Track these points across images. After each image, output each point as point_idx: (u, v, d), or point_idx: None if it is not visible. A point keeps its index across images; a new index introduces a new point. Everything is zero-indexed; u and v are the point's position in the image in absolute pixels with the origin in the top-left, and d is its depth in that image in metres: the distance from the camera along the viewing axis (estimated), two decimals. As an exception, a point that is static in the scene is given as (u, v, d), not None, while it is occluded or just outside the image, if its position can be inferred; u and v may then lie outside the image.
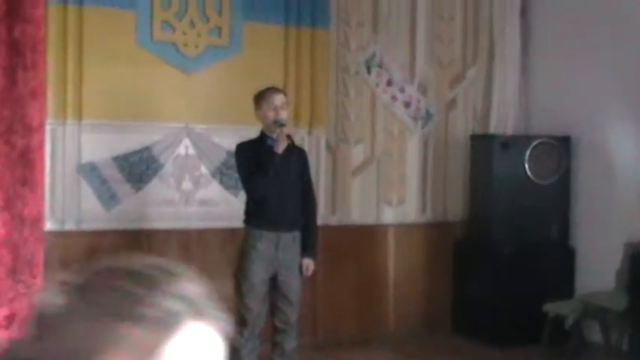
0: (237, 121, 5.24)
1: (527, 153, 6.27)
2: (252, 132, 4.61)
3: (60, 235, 5.24)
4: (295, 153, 4.54)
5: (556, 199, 6.40)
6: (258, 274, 4.41)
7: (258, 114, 4.54)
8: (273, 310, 4.51)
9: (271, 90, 4.55)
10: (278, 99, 4.50)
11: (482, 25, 6.86)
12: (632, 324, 4.94)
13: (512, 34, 6.80)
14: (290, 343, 4.52)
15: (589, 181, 6.34)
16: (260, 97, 4.54)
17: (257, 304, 4.42)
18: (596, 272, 6.07)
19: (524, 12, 6.83)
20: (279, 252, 4.44)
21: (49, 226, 5.20)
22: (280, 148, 4.34)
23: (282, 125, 4.39)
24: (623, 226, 5.87)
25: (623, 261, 5.65)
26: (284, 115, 4.47)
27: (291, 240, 4.48)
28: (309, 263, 4.57)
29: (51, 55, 5.07)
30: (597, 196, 6.25)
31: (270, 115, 4.46)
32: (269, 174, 4.30)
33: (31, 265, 2.80)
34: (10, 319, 2.73)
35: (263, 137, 4.51)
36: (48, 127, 4.98)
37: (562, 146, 6.38)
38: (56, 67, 5.19)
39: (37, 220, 2.83)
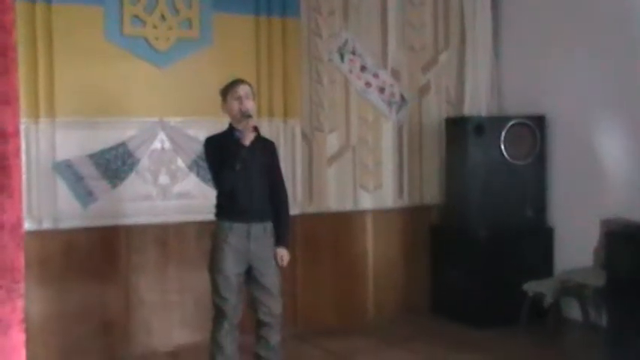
0: (212, 113, 5.23)
1: (503, 134, 6.29)
2: (226, 124, 4.60)
3: (37, 234, 5.22)
4: (263, 144, 4.54)
5: (532, 179, 6.44)
6: (232, 267, 4.41)
7: (225, 107, 4.54)
8: (256, 303, 4.50)
9: (235, 82, 4.55)
10: (242, 89, 4.49)
11: (453, 10, 6.89)
12: (610, 300, 4.99)
13: (483, 18, 6.83)
14: (274, 337, 4.52)
15: (564, 160, 6.39)
16: (225, 91, 4.54)
17: (233, 296, 4.42)
18: (574, 250, 6.13)
19: (495, -5, 6.88)
20: (250, 243, 4.43)
21: (26, 225, 5.17)
22: (247, 140, 4.34)
23: (248, 117, 4.39)
24: (600, 203, 5.92)
25: (600, 238, 5.71)
26: (249, 105, 4.46)
27: (262, 230, 4.48)
28: (283, 253, 4.56)
29: (21, 54, 5.03)
30: (573, 175, 6.30)
31: (235, 105, 4.46)
32: (236, 167, 4.30)
33: (12, 270, 2.79)
34: (-5, 324, 2.73)
35: (231, 130, 4.51)
36: (21, 127, 4.95)
37: (537, 126, 6.41)
38: (27, 66, 5.15)
39: (17, 227, 2.82)
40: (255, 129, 4.40)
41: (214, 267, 4.47)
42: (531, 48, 6.63)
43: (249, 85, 4.59)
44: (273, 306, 4.50)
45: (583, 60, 6.14)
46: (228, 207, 4.47)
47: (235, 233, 4.43)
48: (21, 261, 2.83)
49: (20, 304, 2.80)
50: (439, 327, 6.31)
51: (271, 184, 4.56)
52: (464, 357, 5.50)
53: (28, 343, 2.87)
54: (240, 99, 4.46)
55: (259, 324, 4.53)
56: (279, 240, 4.56)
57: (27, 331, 2.85)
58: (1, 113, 2.77)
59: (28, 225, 5.13)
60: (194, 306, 5.75)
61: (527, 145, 6.40)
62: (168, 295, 5.75)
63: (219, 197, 4.55)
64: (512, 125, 6.34)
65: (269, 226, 4.52)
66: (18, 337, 2.77)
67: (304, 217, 6.19)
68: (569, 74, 6.25)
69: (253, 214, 4.45)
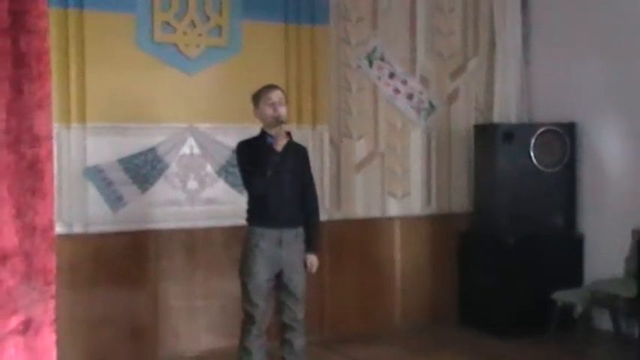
0: (241, 120, 5.25)
1: (532, 141, 6.25)
2: (255, 130, 4.60)
3: (68, 238, 5.25)
4: (295, 150, 4.53)
5: (562, 187, 6.38)
6: (263, 273, 4.41)
7: (257, 112, 4.54)
8: (281, 307, 4.52)
9: (268, 87, 4.55)
10: (275, 95, 4.49)
11: (483, 17, 6.87)
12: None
13: (513, 25, 6.80)
14: (299, 341, 4.53)
15: (595, 168, 6.33)
16: (257, 96, 4.54)
17: (263, 302, 4.43)
18: (605, 260, 6.06)
19: (524, 1, 6.82)
20: (282, 249, 4.44)
21: (57, 229, 5.20)
22: (280, 145, 4.34)
23: (282, 122, 4.39)
24: (631, 212, 5.84)
25: (631, 247, 5.64)
26: (282, 110, 4.46)
27: (294, 236, 4.48)
28: (312, 259, 4.57)
29: (53, 59, 5.06)
30: (604, 183, 6.24)
31: (269, 111, 4.45)
32: (268, 172, 4.31)
33: (44, 272, 2.83)
34: (26, 324, 2.77)
35: (263, 135, 4.51)
36: (54, 132, 4.99)
37: (567, 133, 6.36)
38: (59, 71, 5.19)
39: (48, 229, 2.87)
40: (288, 134, 4.40)
41: (245, 272, 4.46)
42: (561, 54, 6.58)
43: (282, 90, 4.60)
44: (298, 311, 4.52)
45: (614, 66, 6.08)
46: (259, 213, 4.47)
47: (267, 239, 4.43)
48: (52, 263, 2.87)
49: (52, 305, 2.84)
50: (466, 336, 6.26)
51: (302, 190, 4.56)
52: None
53: (57, 346, 2.90)
54: (273, 105, 4.45)
55: (284, 328, 4.54)
56: (310, 246, 4.57)
57: (56, 333, 2.88)
58: (35, 117, 2.81)
59: (58, 229, 5.14)
60: (221, 311, 5.76)
61: (557, 152, 6.35)
62: (195, 301, 5.77)
63: (250, 202, 4.55)
64: (542, 132, 6.29)
65: (300, 231, 4.53)
66: (49, 337, 2.81)
67: (332, 223, 6.18)
68: (600, 81, 6.20)
69: (284, 220, 4.45)
